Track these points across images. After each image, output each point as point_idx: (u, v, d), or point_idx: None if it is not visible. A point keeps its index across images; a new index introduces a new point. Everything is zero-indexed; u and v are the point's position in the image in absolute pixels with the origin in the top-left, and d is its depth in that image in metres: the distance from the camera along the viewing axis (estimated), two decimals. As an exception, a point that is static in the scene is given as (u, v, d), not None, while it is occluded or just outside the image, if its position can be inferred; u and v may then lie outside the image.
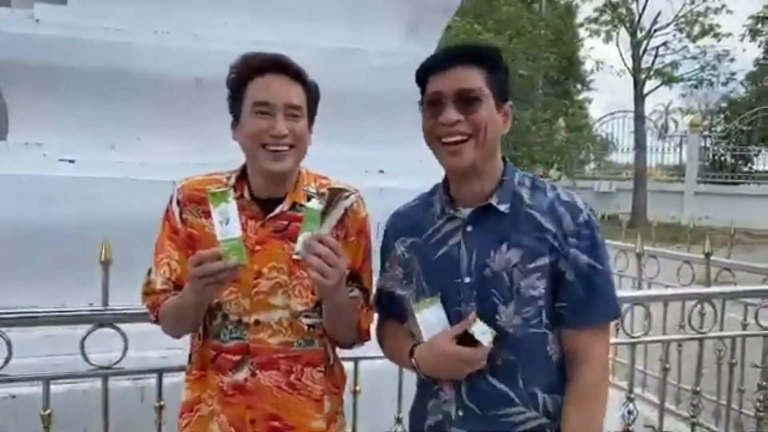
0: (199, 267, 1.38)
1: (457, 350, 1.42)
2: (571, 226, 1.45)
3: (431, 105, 1.46)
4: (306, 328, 1.58)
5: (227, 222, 1.40)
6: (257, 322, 1.55)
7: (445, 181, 1.56)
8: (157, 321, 1.64)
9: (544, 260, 1.43)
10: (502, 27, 17.02)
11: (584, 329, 1.48)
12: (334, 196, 1.52)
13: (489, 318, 1.44)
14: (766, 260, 3.30)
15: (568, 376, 1.49)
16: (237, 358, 1.56)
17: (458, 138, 1.44)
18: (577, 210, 1.47)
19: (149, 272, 1.64)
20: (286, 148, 1.52)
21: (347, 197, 1.58)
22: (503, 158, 1.54)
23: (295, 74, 1.55)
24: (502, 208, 1.47)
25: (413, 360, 1.51)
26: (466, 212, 1.50)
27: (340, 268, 1.40)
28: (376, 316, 1.70)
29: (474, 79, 1.44)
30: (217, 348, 1.58)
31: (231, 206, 1.41)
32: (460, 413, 1.49)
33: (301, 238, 1.40)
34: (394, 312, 1.62)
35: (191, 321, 1.58)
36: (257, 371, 1.56)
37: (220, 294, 1.55)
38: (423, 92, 1.50)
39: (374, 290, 1.69)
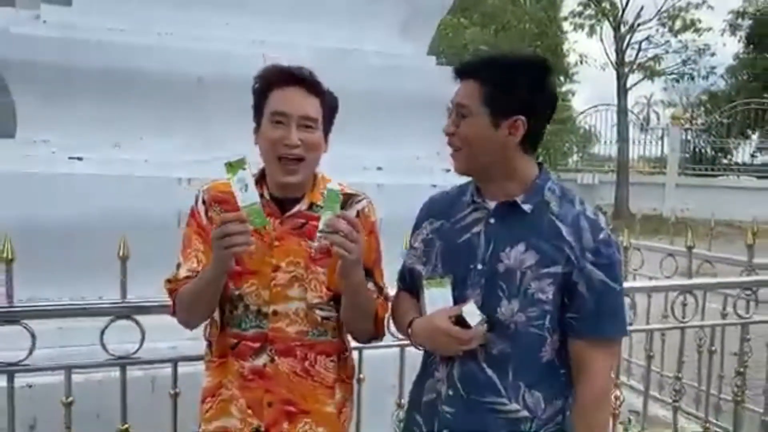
0: (221, 227, 1.48)
1: (447, 326, 1.50)
2: (591, 243, 1.51)
3: (449, 113, 1.59)
4: (320, 319, 1.68)
5: (246, 188, 1.51)
6: (275, 312, 1.65)
7: None
8: (174, 312, 1.72)
9: (558, 268, 1.50)
10: (487, 21, 17.13)
11: (592, 341, 1.54)
12: (347, 199, 1.65)
13: (491, 308, 1.52)
14: (746, 252, 3.43)
15: (576, 384, 1.56)
16: (257, 345, 1.66)
17: (453, 148, 1.58)
18: (598, 228, 1.53)
19: (178, 267, 1.72)
20: (298, 157, 1.62)
21: (359, 201, 1.71)
22: (539, 164, 1.61)
23: (314, 88, 1.65)
24: (526, 207, 1.55)
25: (409, 330, 1.61)
26: (491, 205, 1.59)
27: (360, 243, 1.52)
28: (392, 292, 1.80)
29: (467, 95, 1.53)
30: (238, 336, 1.68)
31: (247, 173, 1.52)
32: (450, 392, 1.58)
33: (324, 218, 1.50)
34: (412, 286, 1.72)
35: (207, 303, 1.65)
36: (276, 357, 1.66)
37: (241, 285, 1.65)
38: None
39: (393, 278, 1.80)
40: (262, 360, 1.66)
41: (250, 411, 1.67)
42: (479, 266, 1.56)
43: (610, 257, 1.53)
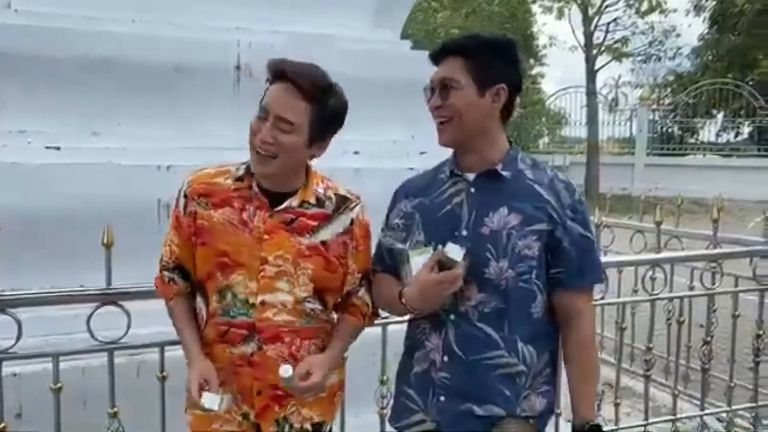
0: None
1: (434, 276, 1.57)
2: (569, 200, 1.67)
3: (430, 90, 1.69)
4: (308, 310, 1.72)
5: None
6: (263, 303, 1.67)
7: (455, 151, 1.77)
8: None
9: (542, 226, 1.64)
10: (458, 4, 17.14)
11: (579, 291, 1.72)
12: (341, 204, 1.71)
13: (479, 269, 1.63)
14: (710, 227, 3.55)
15: (566, 332, 1.72)
16: (245, 332, 1.68)
17: (441, 119, 1.68)
18: (572, 188, 1.71)
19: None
20: (270, 154, 1.61)
21: (353, 208, 1.75)
22: (509, 138, 1.75)
23: (307, 92, 1.59)
24: (506, 174, 1.68)
25: (403, 299, 1.66)
26: (471, 176, 1.70)
27: (323, 388, 1.70)
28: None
29: (453, 69, 1.65)
30: (227, 324, 1.70)
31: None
32: (446, 359, 1.67)
33: (284, 375, 1.62)
34: (391, 266, 1.78)
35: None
36: (263, 345, 1.68)
37: (229, 276, 1.67)
38: None
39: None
40: (249, 348, 1.69)
41: (239, 397, 1.71)
42: (464, 232, 1.66)
43: (584, 213, 1.71)
